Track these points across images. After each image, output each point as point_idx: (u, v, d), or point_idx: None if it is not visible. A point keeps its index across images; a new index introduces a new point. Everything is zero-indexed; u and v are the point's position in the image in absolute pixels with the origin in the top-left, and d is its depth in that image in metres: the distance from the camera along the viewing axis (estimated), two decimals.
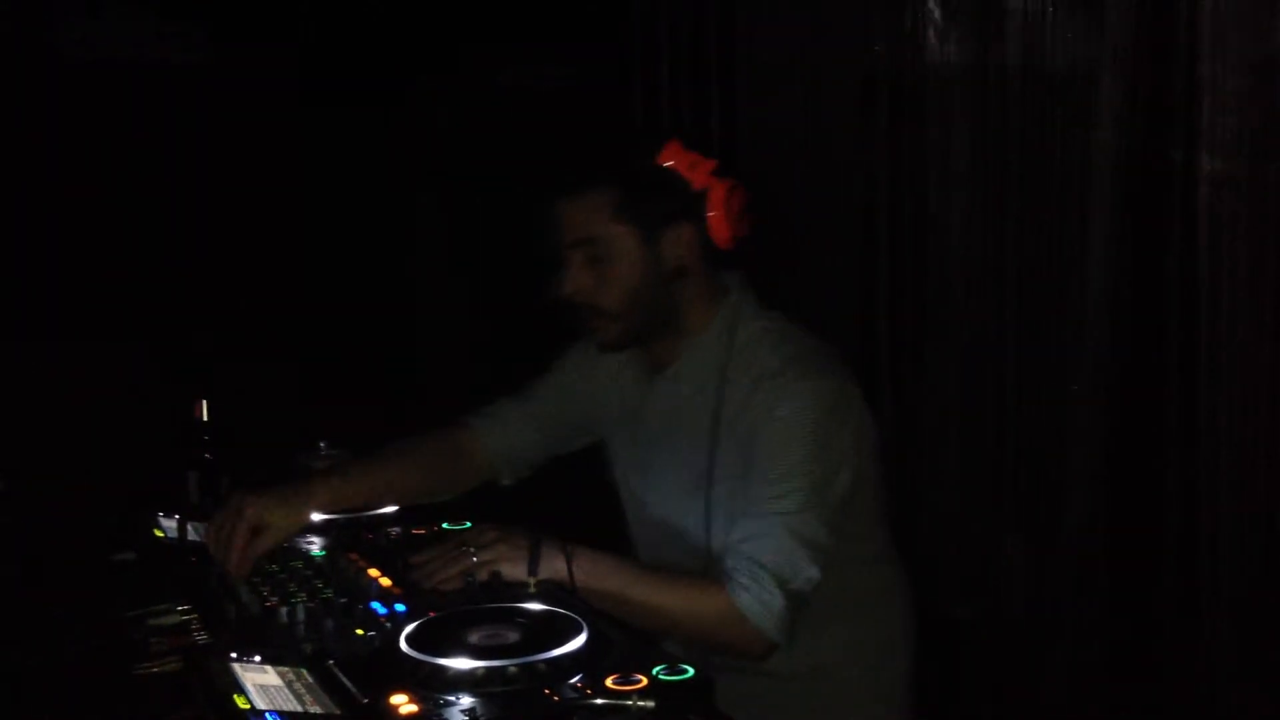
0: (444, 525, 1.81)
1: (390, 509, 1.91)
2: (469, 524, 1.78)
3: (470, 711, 1.17)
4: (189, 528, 1.82)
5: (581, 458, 2.08)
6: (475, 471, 2.01)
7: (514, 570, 1.54)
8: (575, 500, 2.08)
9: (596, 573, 1.58)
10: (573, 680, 1.24)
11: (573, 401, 2.00)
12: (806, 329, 1.80)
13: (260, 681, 1.25)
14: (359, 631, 1.41)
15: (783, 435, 1.64)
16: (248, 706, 1.19)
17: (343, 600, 1.49)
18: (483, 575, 1.53)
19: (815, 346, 1.76)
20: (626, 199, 1.71)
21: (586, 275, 1.74)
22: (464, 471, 1.99)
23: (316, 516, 1.86)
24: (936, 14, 2.65)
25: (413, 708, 1.18)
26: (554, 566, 1.55)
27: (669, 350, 1.82)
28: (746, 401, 1.70)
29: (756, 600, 1.57)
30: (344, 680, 1.26)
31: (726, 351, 1.75)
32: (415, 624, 1.37)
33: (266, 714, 1.17)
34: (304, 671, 1.29)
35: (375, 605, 1.49)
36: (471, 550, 1.58)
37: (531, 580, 1.52)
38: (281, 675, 1.28)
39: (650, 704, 1.17)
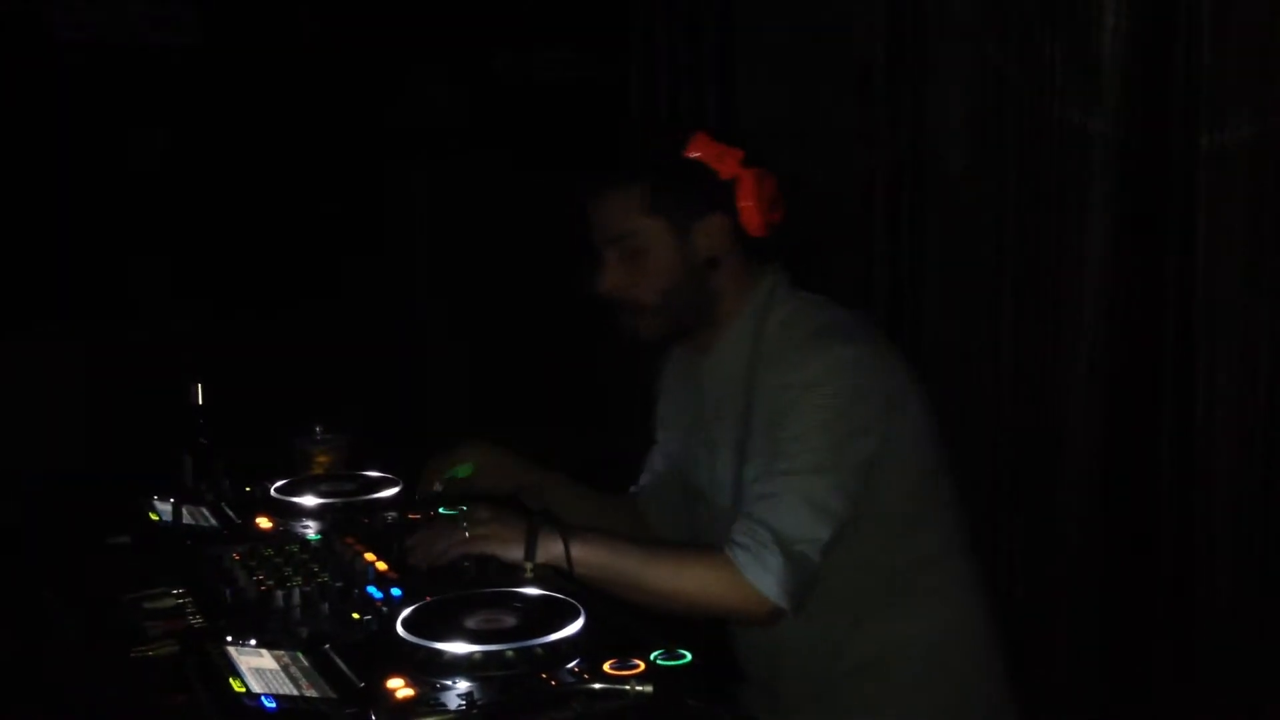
0: (440, 510, 1.81)
1: (386, 493, 1.91)
2: (464, 508, 1.78)
3: (467, 696, 1.17)
4: (184, 511, 1.82)
5: (583, 456, 2.08)
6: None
7: (509, 552, 1.54)
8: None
9: (594, 553, 1.57)
10: (570, 665, 1.23)
11: (671, 438, 1.98)
12: (842, 307, 1.78)
13: (256, 665, 1.25)
14: (355, 615, 1.41)
15: (797, 401, 1.63)
16: (243, 690, 1.18)
17: (339, 584, 1.49)
18: (476, 550, 1.53)
19: (846, 319, 1.74)
20: (657, 193, 1.71)
21: (622, 271, 1.75)
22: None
23: (308, 502, 1.86)
24: (934, 2, 2.64)
25: (409, 692, 1.18)
26: (550, 550, 1.54)
27: (708, 340, 1.81)
28: (774, 379, 1.69)
29: (754, 560, 1.56)
30: (340, 664, 1.26)
31: (758, 335, 1.75)
32: (412, 608, 1.37)
33: (262, 697, 1.16)
34: (300, 655, 1.29)
35: (371, 589, 1.49)
36: (464, 526, 1.57)
37: (528, 565, 1.52)
38: (277, 659, 1.27)
39: (648, 689, 1.17)
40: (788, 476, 1.60)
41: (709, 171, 1.71)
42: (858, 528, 1.64)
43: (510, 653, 1.24)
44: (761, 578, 1.55)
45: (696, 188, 1.72)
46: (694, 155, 1.72)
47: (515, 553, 1.53)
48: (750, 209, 1.72)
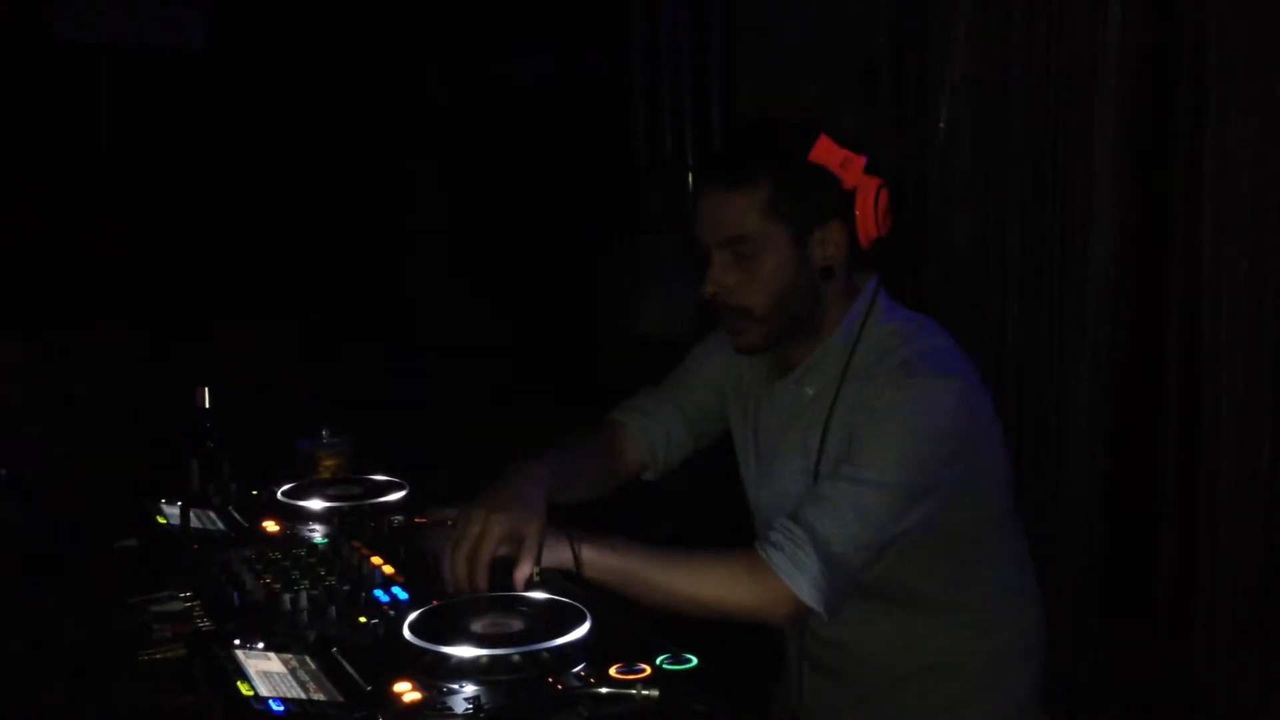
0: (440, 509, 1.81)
1: (393, 497, 1.92)
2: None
3: (474, 700, 1.17)
4: (191, 515, 1.83)
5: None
6: (627, 469, 1.95)
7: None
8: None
9: (603, 557, 1.55)
10: (576, 669, 1.24)
11: (708, 390, 1.94)
12: (942, 330, 1.73)
13: (264, 668, 1.26)
14: (362, 619, 1.41)
15: (879, 420, 1.59)
16: (251, 693, 1.19)
17: (346, 588, 1.49)
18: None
19: (941, 346, 1.69)
20: (780, 197, 1.64)
21: (732, 274, 1.67)
22: (618, 469, 1.94)
23: (315, 505, 1.88)
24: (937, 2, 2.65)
25: (416, 696, 1.19)
26: (558, 555, 1.54)
27: (799, 353, 1.75)
28: (860, 400, 1.64)
29: (789, 561, 1.52)
30: (347, 668, 1.26)
31: (850, 354, 1.69)
32: (419, 612, 1.37)
33: (270, 701, 1.17)
34: (307, 659, 1.29)
35: (378, 593, 1.50)
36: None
37: (535, 569, 1.52)
38: (285, 662, 1.28)
39: (654, 693, 1.17)
40: (845, 482, 1.56)
41: (832, 178, 1.65)
42: (926, 542, 1.62)
43: (517, 657, 1.24)
44: (795, 579, 1.51)
45: (819, 194, 1.65)
46: (817, 159, 1.65)
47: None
48: (868, 219, 1.66)
